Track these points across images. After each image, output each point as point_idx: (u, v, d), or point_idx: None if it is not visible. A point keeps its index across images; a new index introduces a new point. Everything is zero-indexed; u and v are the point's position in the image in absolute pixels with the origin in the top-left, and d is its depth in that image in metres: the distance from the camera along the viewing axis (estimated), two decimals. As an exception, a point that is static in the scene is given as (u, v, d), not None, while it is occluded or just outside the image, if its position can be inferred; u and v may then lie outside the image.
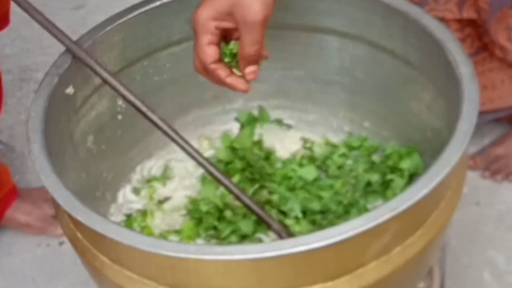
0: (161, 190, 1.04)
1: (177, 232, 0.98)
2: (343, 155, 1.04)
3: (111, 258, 0.75)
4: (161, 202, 1.03)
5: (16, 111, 1.58)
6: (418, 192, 0.68)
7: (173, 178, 1.06)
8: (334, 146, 1.06)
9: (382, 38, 0.95)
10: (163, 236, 0.98)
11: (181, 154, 1.05)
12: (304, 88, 1.08)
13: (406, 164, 0.97)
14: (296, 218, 0.95)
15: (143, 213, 1.01)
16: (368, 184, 0.99)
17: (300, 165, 1.02)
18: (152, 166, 1.07)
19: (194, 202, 1.00)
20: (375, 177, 0.99)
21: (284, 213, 0.96)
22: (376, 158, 1.02)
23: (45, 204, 1.35)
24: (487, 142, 1.42)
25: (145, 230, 0.98)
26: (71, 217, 0.77)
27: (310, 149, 1.06)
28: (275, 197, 0.97)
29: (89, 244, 0.77)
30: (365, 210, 0.95)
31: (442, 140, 0.75)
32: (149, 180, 1.05)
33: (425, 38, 0.87)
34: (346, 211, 0.96)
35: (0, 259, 1.35)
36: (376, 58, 0.98)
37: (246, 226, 0.95)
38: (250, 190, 0.99)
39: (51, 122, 0.82)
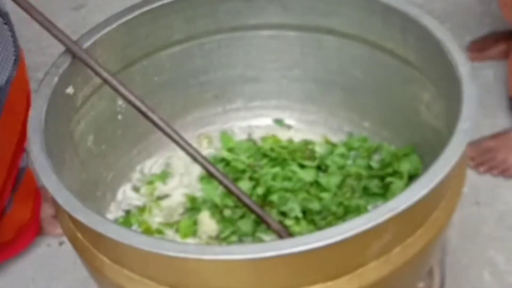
0: (162, 188, 1.04)
1: (173, 225, 0.98)
2: (343, 155, 1.04)
3: (111, 258, 0.75)
4: (160, 198, 1.03)
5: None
6: (418, 192, 0.68)
7: (173, 176, 1.06)
8: (334, 146, 1.06)
9: (382, 38, 0.95)
10: (160, 229, 0.98)
11: (181, 152, 1.06)
12: (304, 88, 1.08)
13: (405, 167, 0.97)
14: (296, 218, 0.95)
15: (142, 209, 1.02)
16: (368, 187, 0.99)
17: (301, 166, 1.02)
18: (153, 164, 1.07)
19: (192, 200, 1.00)
20: (374, 182, 0.99)
21: (284, 214, 0.96)
22: (374, 163, 1.01)
23: (45, 204, 1.35)
24: (487, 142, 1.42)
25: (143, 225, 0.99)
26: (71, 217, 0.77)
27: (312, 150, 1.05)
28: (274, 198, 0.97)
29: (89, 244, 0.77)
30: (365, 211, 0.95)
31: (442, 140, 0.75)
32: (149, 179, 1.05)
33: (425, 38, 0.87)
34: (346, 213, 0.96)
35: (0, 259, 1.35)
36: (376, 58, 0.98)
37: (245, 225, 0.95)
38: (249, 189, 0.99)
39: (51, 122, 0.82)
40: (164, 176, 1.05)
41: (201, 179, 1.04)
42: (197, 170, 1.04)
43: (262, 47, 1.05)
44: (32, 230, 1.33)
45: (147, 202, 1.03)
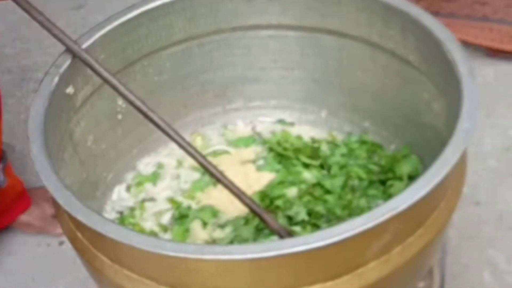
0: (151, 190, 1.04)
1: (166, 228, 0.98)
2: (344, 155, 1.04)
3: (111, 258, 0.75)
4: (145, 200, 1.03)
5: (16, 111, 1.58)
6: (418, 192, 0.68)
7: (164, 178, 1.05)
8: (336, 145, 1.06)
9: (382, 38, 0.95)
10: (154, 232, 0.98)
11: (177, 155, 1.06)
12: (304, 88, 1.08)
13: (405, 168, 0.97)
14: (302, 222, 0.95)
15: (133, 210, 1.02)
16: (369, 191, 0.99)
17: (305, 165, 1.02)
18: (149, 162, 1.07)
19: (178, 206, 1.00)
20: (375, 185, 0.99)
21: (289, 218, 0.96)
22: (374, 165, 1.01)
23: (45, 204, 1.35)
24: (486, 142, 1.42)
25: (136, 227, 0.98)
26: (71, 217, 0.77)
27: (318, 148, 1.05)
28: (280, 202, 0.97)
29: (89, 244, 0.77)
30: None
31: (442, 140, 0.75)
32: (139, 179, 1.05)
33: (425, 38, 0.87)
34: (350, 215, 0.95)
35: (0, 259, 1.35)
36: (376, 58, 0.98)
37: (246, 231, 0.94)
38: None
39: (51, 122, 0.82)
40: (154, 177, 1.05)
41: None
42: (188, 170, 1.05)
43: (262, 47, 1.05)
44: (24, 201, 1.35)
45: (135, 203, 1.03)
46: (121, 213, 1.02)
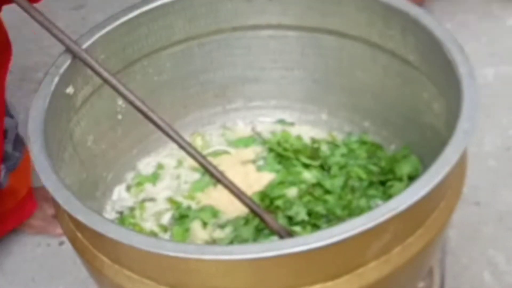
0: (150, 190, 1.04)
1: (166, 229, 0.98)
2: (343, 155, 1.04)
3: (111, 258, 0.75)
4: (145, 200, 1.03)
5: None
6: (418, 192, 0.69)
7: (163, 178, 1.05)
8: (336, 146, 1.06)
9: (382, 38, 0.95)
10: (154, 232, 0.98)
11: (177, 155, 1.06)
12: (303, 88, 1.08)
13: (405, 169, 0.97)
14: (303, 222, 0.95)
15: (133, 210, 1.02)
16: (369, 191, 0.99)
17: (305, 165, 1.02)
18: (149, 162, 1.07)
19: (178, 207, 1.00)
20: (375, 186, 0.99)
21: (289, 218, 0.96)
22: (374, 166, 1.01)
23: (45, 204, 1.35)
24: (486, 142, 1.42)
25: (136, 227, 0.98)
26: (71, 217, 0.77)
27: (318, 149, 1.05)
28: (280, 202, 0.97)
29: (89, 244, 0.77)
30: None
31: (442, 140, 0.75)
32: (139, 179, 1.05)
33: (425, 38, 0.87)
34: (350, 215, 0.95)
35: (0, 259, 1.35)
36: (376, 58, 0.98)
37: (246, 232, 0.95)
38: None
39: (51, 122, 0.82)
40: (154, 177, 1.05)
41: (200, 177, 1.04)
42: (188, 170, 1.05)
43: (262, 47, 1.05)
44: (30, 205, 1.34)
45: (135, 203, 1.03)
46: (121, 213, 1.02)
